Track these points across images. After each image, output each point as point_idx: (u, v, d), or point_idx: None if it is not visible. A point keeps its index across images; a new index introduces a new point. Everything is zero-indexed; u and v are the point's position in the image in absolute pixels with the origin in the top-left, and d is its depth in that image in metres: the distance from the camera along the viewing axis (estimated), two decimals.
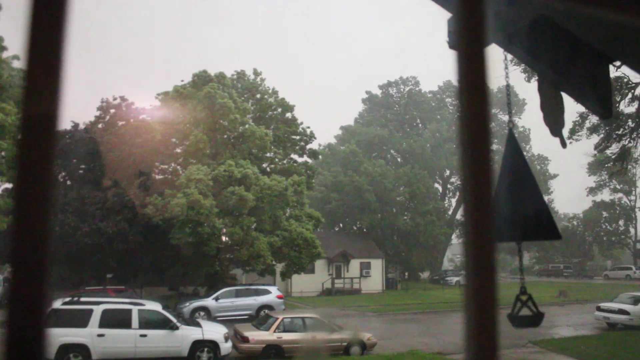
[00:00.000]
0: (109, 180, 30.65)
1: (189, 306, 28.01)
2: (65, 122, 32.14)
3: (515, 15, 2.50)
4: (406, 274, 59.12)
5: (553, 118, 3.14)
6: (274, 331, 18.68)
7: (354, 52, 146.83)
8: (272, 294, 30.06)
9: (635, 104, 23.61)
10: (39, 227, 0.79)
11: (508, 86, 3.32)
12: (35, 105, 0.82)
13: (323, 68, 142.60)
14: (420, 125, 69.82)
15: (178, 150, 33.22)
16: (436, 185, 67.26)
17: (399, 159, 66.30)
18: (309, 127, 38.59)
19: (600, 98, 2.94)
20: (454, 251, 74.90)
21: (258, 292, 30.00)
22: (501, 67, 3.16)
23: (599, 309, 26.69)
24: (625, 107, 24.05)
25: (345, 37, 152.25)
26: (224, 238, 31.62)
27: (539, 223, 2.95)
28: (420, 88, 71.41)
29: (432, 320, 30.29)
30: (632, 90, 23.32)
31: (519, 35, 2.70)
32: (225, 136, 34.14)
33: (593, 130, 26.33)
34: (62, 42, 0.84)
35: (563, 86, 2.98)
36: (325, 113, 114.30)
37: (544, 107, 3.17)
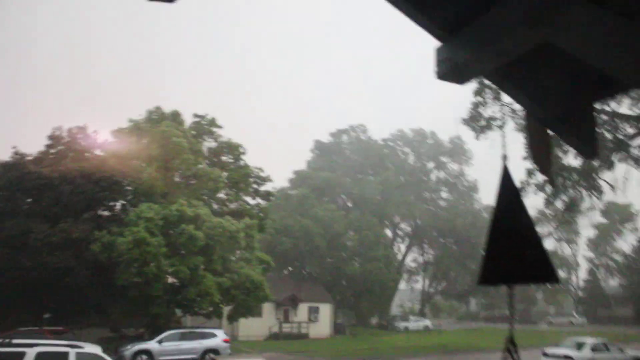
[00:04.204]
0: (57, 215, 29.68)
1: (130, 349, 26.99)
2: (7, 153, 31.22)
3: (506, 48, 2.47)
4: (355, 319, 58.83)
5: (542, 157, 3.06)
6: None
7: (308, 93, 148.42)
8: (218, 338, 29.35)
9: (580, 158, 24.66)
10: None
11: (503, 125, 3.30)
12: None
13: (274, 109, 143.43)
14: (370, 171, 70.71)
15: (129, 188, 32.55)
16: (386, 230, 67.80)
17: (349, 205, 66.73)
18: (262, 170, 38.60)
19: (586, 137, 2.91)
20: (402, 297, 75.20)
21: (203, 336, 29.24)
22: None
23: (544, 354, 27.13)
24: (572, 160, 25.16)
25: (301, 78, 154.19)
26: (169, 279, 30.90)
27: (536, 266, 2.80)
28: (369, 135, 72.78)
29: None
30: None
31: (509, 69, 2.70)
32: (177, 176, 33.76)
33: (540, 188, 27.34)
34: None
35: (550, 124, 2.93)
36: (278, 157, 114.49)
37: (531, 145, 3.07)
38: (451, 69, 2.55)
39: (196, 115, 38.33)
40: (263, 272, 34.82)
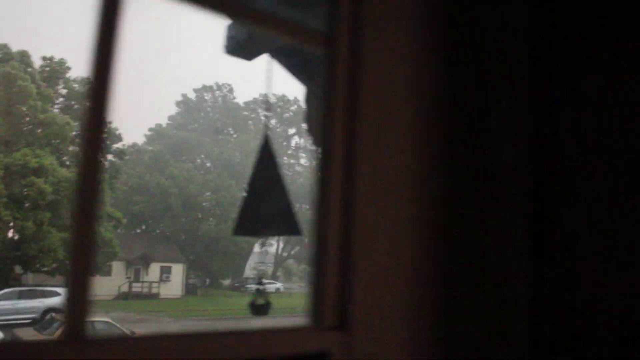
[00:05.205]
0: None
1: None
2: None
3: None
4: (207, 280, 58.72)
5: (317, 130, 3.32)
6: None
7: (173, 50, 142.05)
8: (62, 296, 27.96)
9: None
10: None
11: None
12: None
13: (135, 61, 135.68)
14: (232, 133, 70.23)
15: None
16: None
17: (208, 165, 65.92)
18: (117, 129, 36.95)
19: None
20: (256, 259, 76.22)
21: (45, 294, 27.73)
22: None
23: None
24: None
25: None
26: (10, 233, 28.81)
27: (284, 221, 3.13)
28: (235, 96, 72.10)
29: (228, 326, 30.54)
30: None
31: (291, 50, 2.81)
32: (23, 123, 31.25)
33: None
34: None
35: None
36: (135, 109, 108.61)
37: (309, 118, 3.27)
38: (237, 46, 2.70)
39: (45, 58, 35.54)
40: (113, 229, 33.63)
